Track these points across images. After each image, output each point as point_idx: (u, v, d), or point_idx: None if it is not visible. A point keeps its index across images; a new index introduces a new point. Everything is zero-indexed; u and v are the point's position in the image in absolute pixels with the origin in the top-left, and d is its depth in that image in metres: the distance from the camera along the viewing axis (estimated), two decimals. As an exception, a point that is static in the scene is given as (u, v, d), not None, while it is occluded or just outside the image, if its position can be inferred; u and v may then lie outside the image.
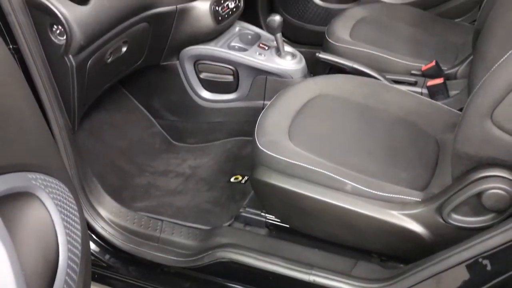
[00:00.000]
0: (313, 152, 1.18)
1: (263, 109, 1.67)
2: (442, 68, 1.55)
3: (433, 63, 1.53)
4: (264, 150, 1.18)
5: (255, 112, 1.68)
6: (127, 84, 1.75)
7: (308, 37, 2.21)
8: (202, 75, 1.66)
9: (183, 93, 1.70)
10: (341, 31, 1.74)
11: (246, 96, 1.67)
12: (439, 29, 1.83)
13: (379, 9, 1.93)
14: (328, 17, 2.18)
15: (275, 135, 1.23)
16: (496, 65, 0.84)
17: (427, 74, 1.55)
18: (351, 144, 1.25)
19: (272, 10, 2.29)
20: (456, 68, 1.53)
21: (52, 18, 1.07)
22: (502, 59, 0.83)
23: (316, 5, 2.18)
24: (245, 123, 1.73)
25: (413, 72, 1.58)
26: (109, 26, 1.21)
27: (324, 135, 1.27)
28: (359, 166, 1.18)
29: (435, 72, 1.54)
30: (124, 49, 1.37)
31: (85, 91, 1.26)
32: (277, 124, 1.27)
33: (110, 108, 1.70)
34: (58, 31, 1.11)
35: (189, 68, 1.64)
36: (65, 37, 1.10)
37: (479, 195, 0.93)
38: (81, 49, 1.14)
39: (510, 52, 0.83)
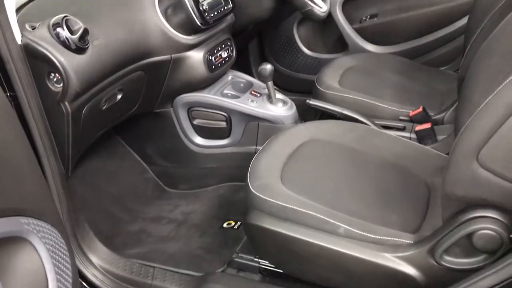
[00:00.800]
0: (306, 195, 1.20)
1: (255, 154, 1.70)
2: (429, 113, 1.59)
3: (421, 109, 1.58)
4: (257, 193, 1.19)
5: (248, 158, 1.71)
6: (120, 131, 1.77)
7: (298, 85, 2.28)
8: (196, 122, 1.69)
9: (176, 139, 1.72)
10: (331, 79, 1.79)
11: (239, 142, 1.70)
12: (425, 77, 1.90)
13: (367, 58, 2.00)
14: (317, 66, 2.25)
15: (268, 179, 1.24)
16: (480, 108, 0.87)
17: (415, 120, 1.59)
18: (343, 188, 1.26)
19: (263, 60, 2.36)
20: (443, 114, 1.57)
21: (50, 66, 1.11)
22: (485, 102, 0.87)
23: (306, 55, 2.26)
24: (238, 169, 1.74)
25: (401, 117, 1.62)
26: (105, 75, 1.25)
27: (316, 178, 1.28)
28: (351, 209, 1.19)
29: (422, 118, 1.58)
30: (119, 96, 1.40)
31: (80, 137, 1.28)
32: (269, 168, 1.29)
33: (103, 155, 1.71)
34: (55, 79, 1.14)
35: (183, 115, 1.67)
36: (61, 84, 1.13)
37: (469, 236, 0.94)
38: (77, 96, 1.16)
39: (491, 95, 0.86)
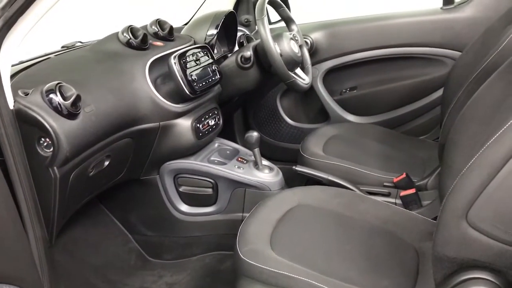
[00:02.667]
0: (296, 261, 1.18)
1: (242, 221, 1.69)
2: (413, 180, 1.62)
3: (404, 175, 1.61)
4: (247, 259, 1.17)
5: (234, 225, 1.69)
6: (104, 199, 1.75)
7: (281, 154, 2.32)
8: (182, 189, 1.68)
9: (161, 207, 1.70)
10: (315, 147, 1.83)
11: (225, 209, 1.69)
12: (406, 145, 1.95)
13: (349, 127, 2.07)
14: (300, 136, 2.32)
15: (257, 244, 1.23)
16: (466, 168, 0.90)
17: (399, 186, 1.61)
18: (333, 253, 1.25)
19: (247, 129, 2.41)
20: (426, 180, 1.61)
21: (41, 131, 1.11)
22: (470, 163, 0.90)
23: (289, 125, 2.32)
24: (224, 237, 1.72)
25: (385, 184, 1.65)
26: (94, 141, 1.26)
27: (306, 244, 1.27)
28: (343, 274, 1.17)
29: (406, 184, 1.61)
30: (106, 163, 1.40)
31: (66, 203, 1.26)
32: (258, 233, 1.27)
33: (85, 224, 1.68)
34: (45, 144, 1.14)
35: (169, 182, 1.67)
36: (51, 149, 1.13)
37: (463, 300, 0.93)
38: (66, 161, 1.16)
39: (476, 156, 0.89)
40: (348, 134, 2.00)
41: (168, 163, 1.64)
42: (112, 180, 1.52)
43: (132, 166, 1.55)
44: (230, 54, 1.93)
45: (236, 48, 2.02)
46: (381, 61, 2.15)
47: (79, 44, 1.71)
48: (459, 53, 2.01)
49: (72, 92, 1.14)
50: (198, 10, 2.23)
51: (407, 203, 1.51)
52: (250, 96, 2.24)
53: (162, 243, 1.74)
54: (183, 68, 1.52)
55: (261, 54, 1.80)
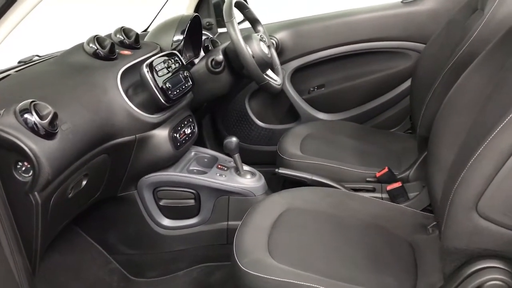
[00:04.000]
0: (298, 267, 1.15)
1: (227, 230, 1.64)
2: (394, 173, 1.64)
3: (386, 169, 1.62)
4: (249, 271, 1.12)
5: (219, 235, 1.64)
6: (78, 220, 1.64)
7: (255, 157, 2.28)
8: (162, 202, 1.61)
9: (141, 224, 1.62)
10: (292, 148, 1.81)
11: (209, 219, 1.63)
12: (379, 139, 1.97)
13: (321, 125, 2.06)
14: (271, 137, 2.29)
15: (256, 254, 1.19)
16: (473, 159, 0.90)
17: (382, 180, 1.62)
18: (332, 255, 1.23)
19: (216, 135, 2.36)
20: (408, 172, 1.62)
21: (18, 154, 1.02)
22: (477, 153, 0.90)
23: (259, 127, 2.29)
24: (209, 248, 1.67)
25: (368, 179, 1.65)
26: (73, 160, 1.17)
27: (304, 248, 1.25)
28: (346, 276, 1.15)
29: (389, 177, 1.62)
30: (84, 182, 1.31)
31: (48, 230, 1.16)
32: (255, 242, 1.23)
33: (62, 249, 1.57)
34: (23, 168, 1.04)
35: (148, 197, 1.60)
36: (31, 173, 1.04)
37: (478, 289, 0.94)
38: (47, 185, 1.07)
39: (483, 146, 0.89)
40: (322, 132, 1.99)
41: (146, 177, 1.57)
42: (90, 199, 1.43)
43: (109, 183, 1.47)
44: (197, 59, 1.87)
45: (202, 53, 1.97)
46: (346, 58, 2.17)
47: (37, 58, 1.60)
48: (422, 45, 2.05)
49: (48, 110, 1.06)
50: (156, 16, 2.16)
51: (394, 196, 1.52)
52: (218, 100, 2.19)
53: (144, 260, 1.66)
54: (156, 77, 1.45)
55: (232, 57, 1.76)
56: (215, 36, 2.19)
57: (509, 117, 0.86)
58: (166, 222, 1.63)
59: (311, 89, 2.25)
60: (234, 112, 2.29)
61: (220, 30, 2.30)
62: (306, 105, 2.23)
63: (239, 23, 2.36)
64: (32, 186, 1.04)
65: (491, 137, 0.88)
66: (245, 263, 1.15)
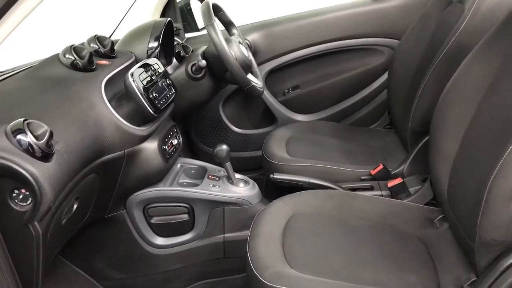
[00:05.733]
0: (321, 275, 1.10)
1: (224, 244, 1.56)
2: (388, 169, 1.62)
3: (381, 166, 1.60)
4: (274, 285, 1.06)
5: (216, 249, 1.56)
6: (62, 248, 1.50)
7: (234, 165, 2.19)
8: (153, 220, 1.51)
9: (132, 245, 1.51)
10: (280, 152, 1.76)
11: (204, 233, 1.55)
12: (359, 136, 1.97)
13: (301, 127, 2.03)
14: (248, 142, 2.23)
15: (276, 266, 1.12)
16: (509, 150, 0.89)
17: (377, 177, 1.61)
18: (349, 258, 1.19)
19: (189, 143, 2.27)
20: (402, 167, 1.62)
21: (15, 181, 0.89)
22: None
23: (235, 133, 2.23)
24: (207, 264, 1.58)
25: (362, 177, 1.63)
26: (68, 182, 1.05)
27: (320, 254, 1.20)
28: (369, 278, 1.12)
29: (383, 174, 1.60)
30: (75, 206, 1.19)
31: (45, 264, 1.04)
32: (270, 254, 1.17)
33: (45, 281, 1.42)
34: (21, 196, 0.92)
35: (138, 215, 1.48)
36: (30, 201, 0.92)
37: (518, 281, 0.92)
38: (47, 212, 0.95)
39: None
40: (303, 133, 1.96)
41: (135, 194, 1.46)
42: (79, 224, 1.30)
43: (98, 205, 1.35)
44: (169, 67, 1.78)
45: (174, 60, 1.87)
46: (320, 57, 2.15)
47: None
48: (395, 41, 2.08)
49: (43, 129, 0.94)
50: (120, 22, 2.04)
51: (396, 193, 1.50)
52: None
53: (137, 284, 1.54)
54: (142, 86, 1.35)
55: (213, 62, 1.68)
56: (183, 42, 2.10)
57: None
58: (159, 240, 1.53)
59: (286, 90, 2.21)
60: (208, 119, 2.21)
61: (188, 35, 2.21)
62: (282, 108, 2.19)
63: (201, 29, 2.29)
64: (32, 215, 0.92)
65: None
66: (267, 276, 1.09)
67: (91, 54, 1.36)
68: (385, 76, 2.13)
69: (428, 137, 1.52)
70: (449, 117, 1.30)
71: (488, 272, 0.97)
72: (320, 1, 2.18)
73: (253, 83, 1.66)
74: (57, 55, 1.35)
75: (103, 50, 1.49)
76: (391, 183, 1.52)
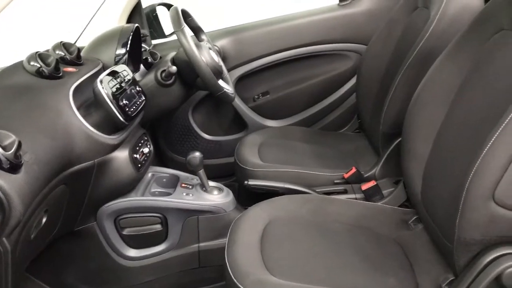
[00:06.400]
0: (301, 281, 1.09)
1: (198, 253, 1.53)
2: (361, 172, 1.64)
3: (354, 170, 1.61)
4: None
5: (190, 259, 1.53)
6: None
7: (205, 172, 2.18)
8: (125, 231, 1.46)
9: (103, 258, 1.46)
10: (253, 158, 1.75)
11: (178, 243, 1.51)
12: (330, 141, 1.98)
13: (272, 133, 2.02)
14: (219, 149, 2.21)
15: (256, 274, 1.10)
16: (486, 149, 0.90)
17: (350, 181, 1.61)
18: (329, 262, 1.19)
19: (159, 152, 2.23)
20: (374, 170, 1.63)
21: (-19, 196, 0.84)
22: (490, 143, 0.90)
23: (206, 140, 2.20)
24: (181, 274, 1.54)
25: (336, 181, 1.64)
26: (37, 193, 1.00)
27: (299, 260, 1.19)
28: (350, 282, 1.12)
29: (356, 178, 1.61)
30: (44, 219, 1.13)
31: (14, 283, 0.98)
32: (250, 261, 1.15)
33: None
34: (-14, 212, 0.86)
35: (109, 227, 1.43)
36: (-2, 216, 0.86)
37: (498, 278, 0.94)
38: (16, 227, 0.90)
39: (495, 137, 0.90)
40: (275, 139, 1.96)
41: (106, 205, 1.41)
42: (48, 238, 1.24)
43: (67, 218, 1.29)
44: (137, 74, 1.74)
45: (142, 67, 1.83)
46: (289, 63, 2.15)
47: None
48: (362, 46, 2.11)
49: (11, 139, 0.89)
50: (85, 29, 1.98)
51: (370, 195, 1.52)
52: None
53: (109, 298, 1.49)
54: (112, 93, 1.31)
55: (183, 68, 1.65)
56: (150, 48, 2.06)
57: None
58: (131, 252, 1.48)
59: (256, 96, 2.20)
60: (177, 127, 2.17)
61: (154, 41, 2.17)
62: (253, 113, 2.18)
63: (167, 35, 2.26)
64: (0, 231, 0.87)
65: (504, 124, 0.88)
66: (248, 285, 1.07)
67: (57, 61, 1.31)
68: (353, 81, 2.15)
69: (399, 139, 1.54)
70: (421, 119, 1.32)
71: (467, 271, 0.98)
72: (287, 6, 2.18)
73: (224, 89, 1.64)
74: (21, 62, 1.29)
75: (70, 57, 1.43)
76: (365, 186, 1.53)
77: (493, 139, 0.89)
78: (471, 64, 1.20)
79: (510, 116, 0.88)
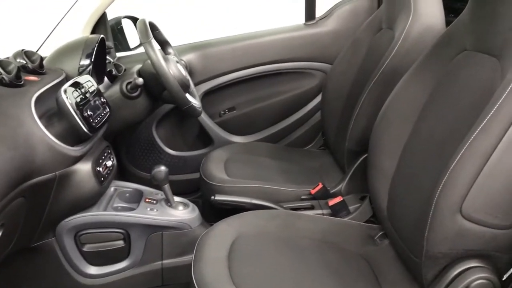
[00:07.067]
0: (271, 298, 1.07)
1: (162, 270, 1.49)
2: (327, 188, 1.64)
3: (320, 185, 1.62)
4: None
5: (153, 277, 1.49)
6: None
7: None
8: (86, 248, 1.40)
9: (61, 275, 1.39)
10: (219, 173, 1.73)
11: (140, 260, 1.46)
12: (295, 157, 1.99)
13: (238, 148, 2.01)
14: (183, 165, 2.18)
15: (224, 291, 1.07)
16: (454, 163, 0.92)
17: (317, 197, 1.62)
18: (298, 279, 1.17)
19: (121, 167, 2.17)
20: (340, 186, 1.64)
21: None
22: (458, 157, 0.92)
23: (170, 155, 2.16)
24: (143, 292, 1.49)
25: (302, 197, 1.64)
26: (-6, 206, 0.95)
27: (268, 276, 1.17)
28: (320, 299, 1.11)
29: (323, 193, 1.62)
30: (0, 234, 1.07)
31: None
32: (217, 278, 1.12)
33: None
34: None
35: (69, 243, 1.37)
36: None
37: (465, 290, 0.95)
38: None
39: (462, 152, 0.92)
40: (241, 155, 1.95)
41: (66, 220, 1.35)
42: (1, 254, 1.17)
43: (24, 232, 1.23)
44: (101, 86, 1.70)
45: (106, 79, 1.79)
46: (254, 79, 2.16)
47: None
48: (326, 65, 2.14)
49: None
50: (47, 38, 1.92)
51: (337, 211, 1.52)
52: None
53: (67, 319, 1.41)
54: (76, 104, 1.27)
55: (149, 80, 1.63)
56: (115, 60, 2.02)
57: (486, 120, 0.89)
58: (92, 270, 1.42)
59: (222, 112, 2.19)
60: (140, 142, 2.13)
61: (119, 54, 2.13)
62: (218, 129, 2.16)
63: (136, 47, 2.23)
64: None
65: (470, 140, 0.91)
66: (216, 302, 1.04)
67: (18, 69, 1.26)
68: (318, 99, 2.18)
69: (364, 156, 1.57)
70: (386, 136, 1.34)
71: (435, 284, 0.99)
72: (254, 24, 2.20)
73: (192, 103, 1.63)
74: None
75: (32, 65, 1.38)
76: (331, 202, 1.54)
77: (460, 154, 0.92)
78: (435, 83, 1.23)
79: (476, 131, 0.90)
